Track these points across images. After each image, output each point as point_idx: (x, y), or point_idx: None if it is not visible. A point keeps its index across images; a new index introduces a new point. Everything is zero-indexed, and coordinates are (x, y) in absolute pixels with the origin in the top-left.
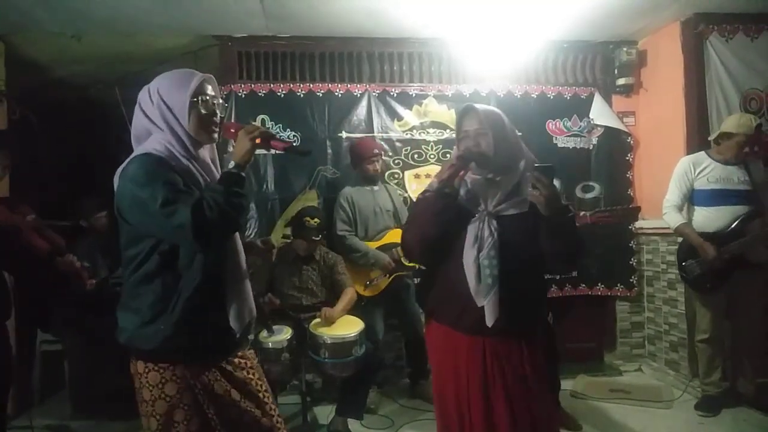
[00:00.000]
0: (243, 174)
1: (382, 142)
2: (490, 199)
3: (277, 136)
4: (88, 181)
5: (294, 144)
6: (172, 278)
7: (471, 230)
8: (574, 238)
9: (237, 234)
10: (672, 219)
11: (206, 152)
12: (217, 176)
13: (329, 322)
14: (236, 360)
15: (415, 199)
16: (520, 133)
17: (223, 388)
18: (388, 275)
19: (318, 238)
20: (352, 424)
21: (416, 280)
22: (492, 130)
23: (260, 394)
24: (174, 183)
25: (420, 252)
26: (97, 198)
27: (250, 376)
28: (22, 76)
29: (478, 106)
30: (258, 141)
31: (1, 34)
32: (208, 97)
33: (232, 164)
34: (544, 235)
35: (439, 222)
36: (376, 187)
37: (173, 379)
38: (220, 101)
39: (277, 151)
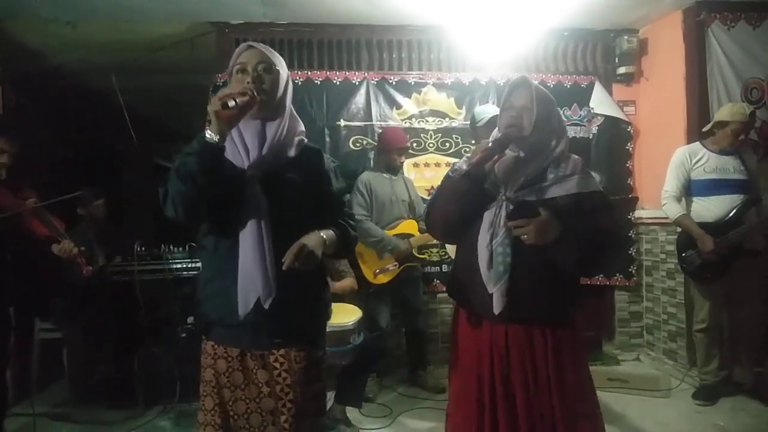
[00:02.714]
0: (207, 141)
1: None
2: (511, 184)
3: (232, 98)
4: (84, 168)
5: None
6: (203, 256)
7: (487, 215)
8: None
9: (259, 212)
10: (671, 210)
11: (256, 128)
12: (262, 152)
13: None
14: (271, 356)
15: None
16: None
17: (240, 380)
18: (398, 265)
19: None
20: (351, 412)
21: (425, 271)
22: (537, 107)
23: (280, 402)
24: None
25: (442, 231)
26: (94, 186)
27: (278, 379)
28: (17, 63)
29: (531, 81)
30: (220, 110)
31: None
32: (238, 66)
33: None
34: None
35: (461, 204)
36: (394, 177)
37: (204, 351)
38: (264, 65)
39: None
